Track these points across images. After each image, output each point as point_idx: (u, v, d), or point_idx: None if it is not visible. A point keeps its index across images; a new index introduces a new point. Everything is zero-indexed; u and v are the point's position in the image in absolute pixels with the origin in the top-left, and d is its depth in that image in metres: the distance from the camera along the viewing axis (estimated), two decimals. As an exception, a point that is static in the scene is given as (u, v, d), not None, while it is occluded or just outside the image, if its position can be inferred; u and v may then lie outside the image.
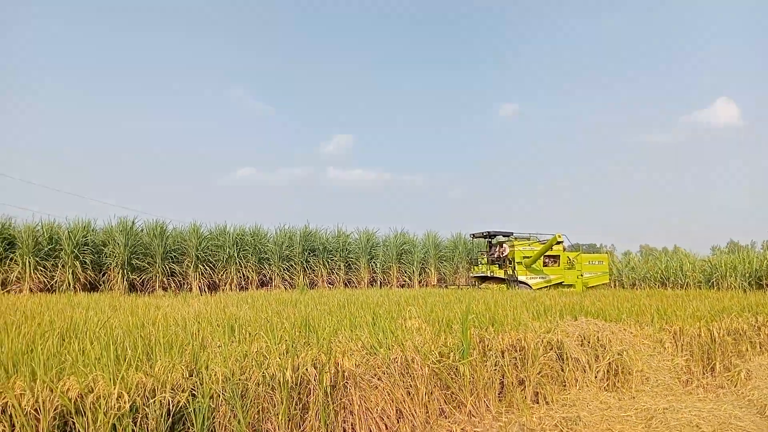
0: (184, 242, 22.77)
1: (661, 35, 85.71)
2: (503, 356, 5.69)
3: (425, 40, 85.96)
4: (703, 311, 8.26)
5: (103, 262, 21.41)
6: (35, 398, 3.50)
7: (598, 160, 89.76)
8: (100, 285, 21.10)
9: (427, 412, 5.01)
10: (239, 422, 4.12)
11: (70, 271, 20.24)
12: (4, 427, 3.48)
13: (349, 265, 25.89)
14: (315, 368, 4.56)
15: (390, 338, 5.26)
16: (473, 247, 28.05)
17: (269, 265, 23.85)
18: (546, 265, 21.90)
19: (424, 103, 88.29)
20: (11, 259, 20.05)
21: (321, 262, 24.88)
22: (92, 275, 20.98)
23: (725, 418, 5.23)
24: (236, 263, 23.07)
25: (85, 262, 20.76)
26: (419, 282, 26.80)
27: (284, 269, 24.05)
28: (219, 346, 4.88)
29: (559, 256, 22.11)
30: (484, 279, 22.97)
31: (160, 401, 3.80)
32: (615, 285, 27.22)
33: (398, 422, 4.87)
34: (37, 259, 20.07)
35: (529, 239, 22.84)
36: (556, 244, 21.10)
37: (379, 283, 25.97)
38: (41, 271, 20.08)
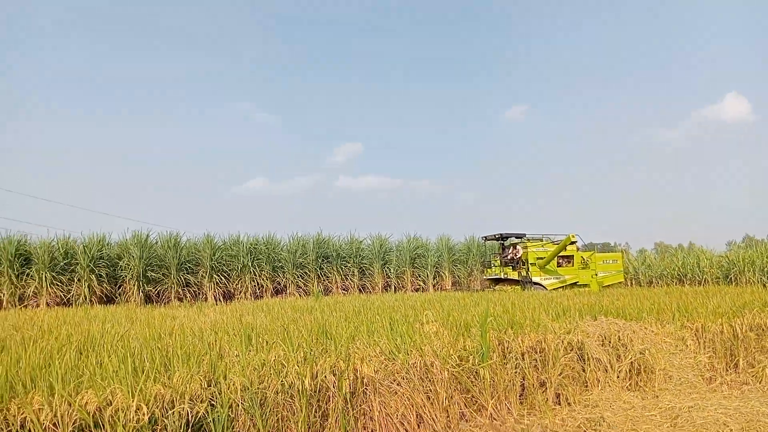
0: (198, 253, 22.87)
1: (667, 32, 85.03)
2: (523, 358, 5.62)
3: (428, 42, 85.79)
4: (724, 307, 8.12)
5: (118, 275, 21.55)
6: (53, 413, 3.48)
7: (607, 158, 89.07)
8: (116, 297, 21.22)
9: (448, 417, 4.95)
10: (258, 431, 4.09)
11: (86, 285, 20.37)
12: (24, 442, 3.47)
13: (363, 270, 25.87)
14: (334, 375, 4.51)
15: (408, 343, 5.21)
16: (486, 250, 27.90)
17: (283, 273, 23.88)
18: (560, 266, 21.73)
19: (430, 107, 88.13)
20: (28, 275, 20.23)
21: (335, 269, 24.88)
22: (108, 288, 21.11)
23: (752, 415, 5.11)
24: (250, 272, 23.11)
25: (101, 276, 20.90)
26: (434, 286, 26.71)
27: (298, 276, 24.07)
28: (236, 356, 4.85)
29: (573, 256, 21.93)
30: (497, 281, 22.84)
31: (179, 412, 3.78)
32: (632, 283, 26.96)
33: (419, 427, 4.81)
34: (53, 273, 20.23)
35: (542, 240, 22.68)
36: (569, 244, 20.93)
37: (393, 288, 25.91)
38: (57, 285, 20.23)
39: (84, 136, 67.73)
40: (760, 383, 6.62)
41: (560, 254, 21.34)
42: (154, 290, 21.58)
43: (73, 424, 3.50)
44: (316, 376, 4.44)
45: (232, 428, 4.06)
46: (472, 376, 5.20)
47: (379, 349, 5.12)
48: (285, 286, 23.84)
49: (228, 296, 22.64)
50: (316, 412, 4.38)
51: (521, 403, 5.44)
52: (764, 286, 18.60)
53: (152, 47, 73.72)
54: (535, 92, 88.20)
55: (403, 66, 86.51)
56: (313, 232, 25.64)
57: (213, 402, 4.01)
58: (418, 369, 4.96)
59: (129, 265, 21.25)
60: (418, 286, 26.59)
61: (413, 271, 26.66)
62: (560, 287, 20.45)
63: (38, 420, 3.44)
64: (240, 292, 22.89)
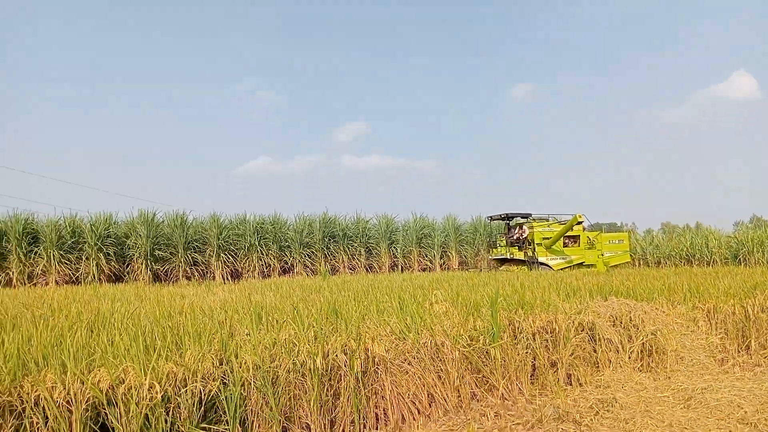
0: (205, 232, 22.93)
1: (673, 10, 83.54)
2: (534, 338, 5.59)
3: (434, 22, 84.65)
4: (735, 288, 8.05)
5: (126, 254, 21.69)
6: (67, 390, 3.48)
7: (613, 137, 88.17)
8: (125, 276, 21.37)
9: (459, 396, 4.94)
10: (271, 409, 4.08)
11: (94, 263, 20.50)
12: (38, 419, 3.47)
13: (370, 250, 25.91)
14: (345, 354, 4.50)
15: (418, 323, 5.18)
16: (492, 230, 27.84)
17: (290, 252, 23.95)
18: (566, 246, 21.65)
19: (436, 87, 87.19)
20: (36, 253, 20.37)
21: (342, 248, 24.93)
22: (116, 266, 21.25)
23: (766, 397, 5.08)
24: (257, 251, 23.17)
25: (109, 254, 21.02)
26: (441, 266, 26.72)
27: (305, 256, 24.13)
28: (247, 335, 4.84)
29: (579, 236, 21.84)
30: (503, 261, 22.82)
31: (192, 390, 3.77)
32: (639, 263, 26.89)
33: (430, 406, 4.81)
34: (61, 252, 20.38)
35: (548, 220, 22.59)
36: (576, 224, 20.84)
37: (400, 267, 25.94)
38: (66, 263, 20.38)
39: (84, 115, 67.42)
40: (772, 365, 6.58)
41: (566, 234, 21.25)
42: (162, 269, 21.72)
43: (87, 401, 3.50)
44: (328, 355, 4.43)
45: (245, 406, 4.06)
46: (482, 356, 5.18)
47: (389, 328, 5.10)
48: (292, 266, 23.91)
49: (235, 275, 22.74)
50: (327, 390, 4.38)
51: (532, 383, 5.42)
52: (774, 266, 18.49)
53: (153, 26, 73.13)
54: (540, 71, 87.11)
55: (407, 44, 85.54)
56: (317, 211, 25.64)
57: (225, 380, 4.01)
58: (428, 349, 4.94)
59: (136, 243, 21.39)
60: (425, 266, 26.61)
61: (420, 251, 26.66)
62: (566, 267, 20.40)
63: (51, 398, 3.44)
64: (247, 271, 22.98)
